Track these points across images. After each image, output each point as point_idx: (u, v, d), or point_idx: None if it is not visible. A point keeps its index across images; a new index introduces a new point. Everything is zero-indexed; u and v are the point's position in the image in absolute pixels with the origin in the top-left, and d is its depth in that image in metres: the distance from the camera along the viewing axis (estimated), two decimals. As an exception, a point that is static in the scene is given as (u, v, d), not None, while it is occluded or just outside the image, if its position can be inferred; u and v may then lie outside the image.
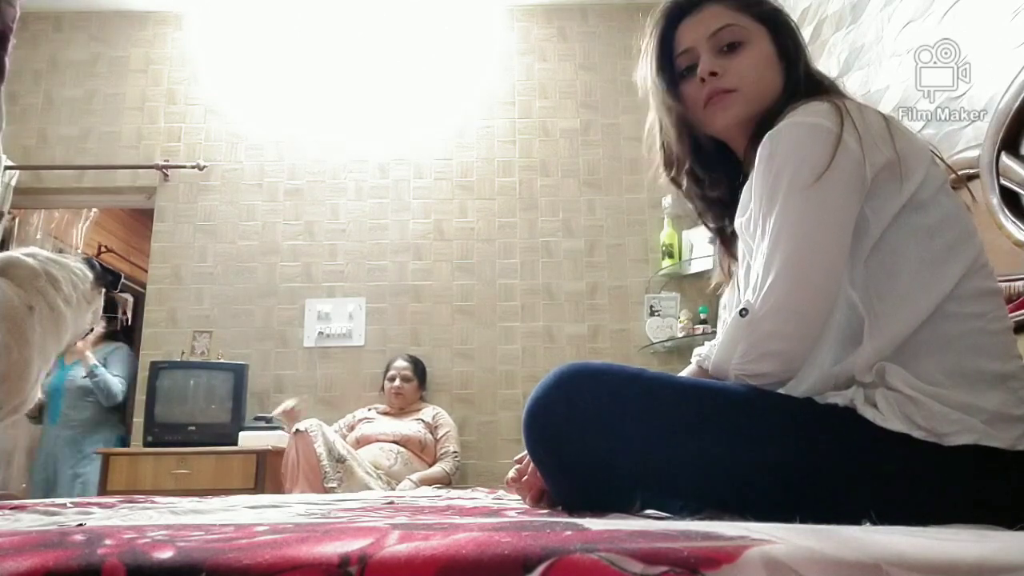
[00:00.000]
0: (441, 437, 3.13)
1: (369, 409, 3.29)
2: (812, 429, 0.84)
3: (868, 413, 0.83)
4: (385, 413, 3.25)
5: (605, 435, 0.84)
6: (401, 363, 3.33)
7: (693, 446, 0.84)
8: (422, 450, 3.03)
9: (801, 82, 1.03)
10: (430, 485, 2.82)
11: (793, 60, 1.05)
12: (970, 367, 0.84)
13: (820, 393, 0.90)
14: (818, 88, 1.01)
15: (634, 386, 0.86)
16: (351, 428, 3.16)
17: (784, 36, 1.06)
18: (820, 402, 0.88)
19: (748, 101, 1.04)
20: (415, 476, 2.90)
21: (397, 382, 3.27)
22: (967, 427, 0.80)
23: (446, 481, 2.97)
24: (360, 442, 3.01)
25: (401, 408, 3.25)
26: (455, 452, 3.11)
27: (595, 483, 0.88)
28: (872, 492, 0.81)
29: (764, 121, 0.99)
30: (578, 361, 0.90)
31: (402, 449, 2.97)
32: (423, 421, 3.14)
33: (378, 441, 2.99)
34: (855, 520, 0.69)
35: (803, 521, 0.78)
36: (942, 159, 0.97)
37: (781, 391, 0.91)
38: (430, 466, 3.03)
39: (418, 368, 3.38)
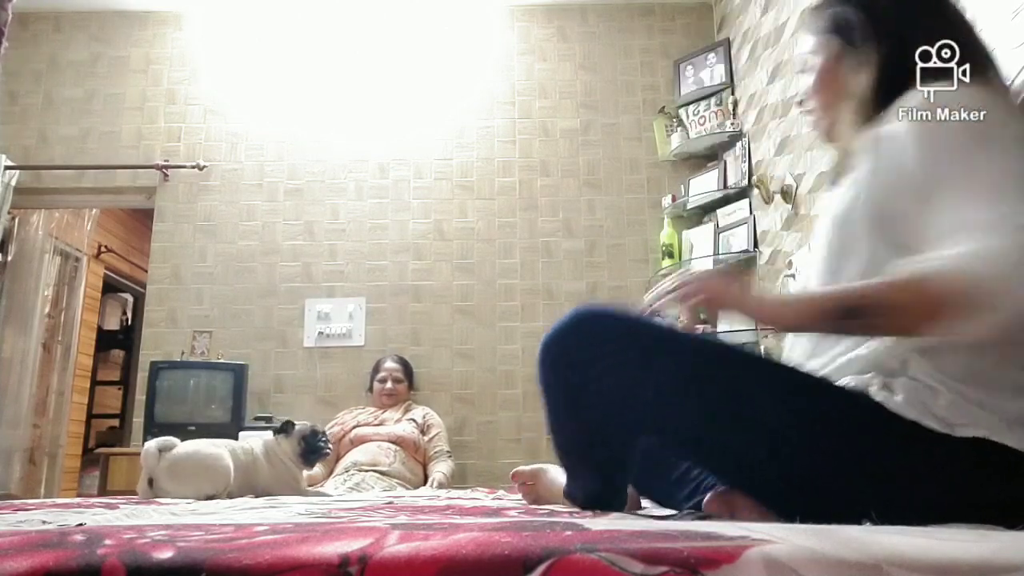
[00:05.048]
0: (432, 437, 3.10)
1: (356, 414, 3.20)
2: (819, 401, 0.84)
3: (880, 396, 0.82)
4: (373, 415, 3.18)
5: (613, 370, 0.87)
6: (391, 364, 3.32)
7: (696, 396, 0.85)
8: (416, 450, 3.02)
9: (895, 68, 0.96)
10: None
11: (872, 51, 0.99)
12: (997, 374, 0.82)
13: (839, 374, 0.89)
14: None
15: (647, 331, 0.89)
16: (343, 435, 3.07)
17: (852, 34, 1.02)
18: (833, 381, 0.87)
19: (824, 111, 1.07)
20: (438, 478, 2.89)
21: (389, 384, 3.25)
22: (983, 422, 0.79)
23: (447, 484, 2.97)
24: (355, 442, 3.00)
25: (391, 407, 3.22)
26: (449, 452, 3.09)
27: (596, 421, 0.90)
28: (872, 475, 0.80)
29: (869, 118, 0.96)
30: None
31: (399, 449, 2.97)
32: (414, 421, 3.13)
33: (374, 440, 2.98)
34: (849, 499, 0.69)
35: (796, 492, 0.79)
36: None
37: (797, 366, 0.91)
38: (421, 464, 3.02)
39: (407, 369, 3.37)
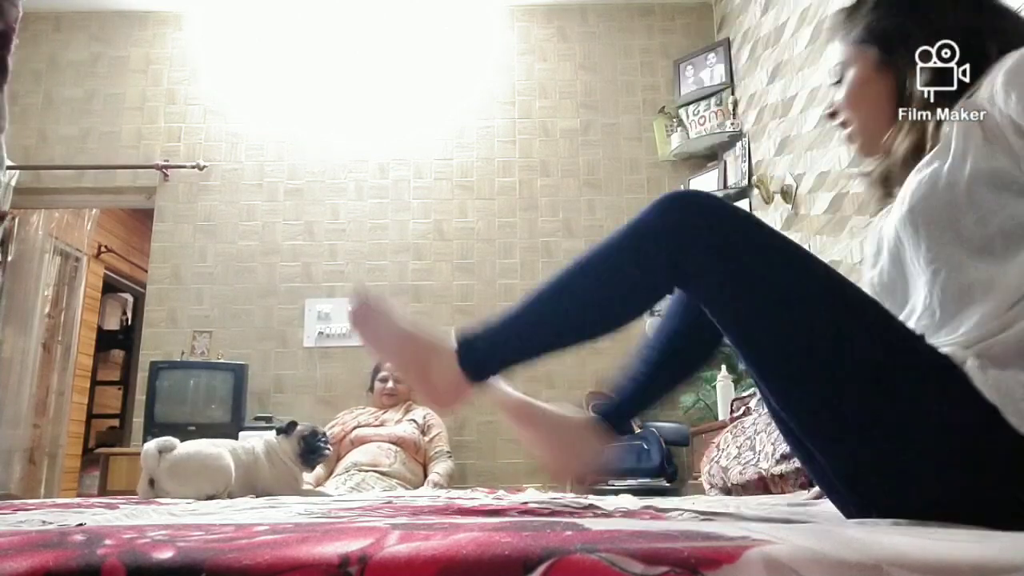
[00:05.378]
0: (433, 438, 3.11)
1: (357, 414, 3.22)
2: (901, 347, 0.81)
3: (971, 368, 0.78)
4: (374, 415, 3.19)
5: (735, 240, 0.85)
6: None
7: (782, 290, 0.83)
8: (416, 451, 3.03)
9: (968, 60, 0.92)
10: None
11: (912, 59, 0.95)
12: None
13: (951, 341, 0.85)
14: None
15: (774, 234, 0.88)
16: (344, 436, 3.08)
17: (892, 42, 0.98)
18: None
19: (862, 126, 1.02)
20: (434, 479, 2.92)
21: (390, 383, 3.25)
22: None
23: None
24: (355, 443, 3.00)
25: (391, 407, 3.23)
26: (449, 452, 3.10)
27: (697, 270, 0.88)
28: (920, 437, 0.77)
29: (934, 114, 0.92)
30: None
31: (399, 449, 2.97)
32: (415, 422, 3.13)
33: (374, 441, 2.99)
34: (887, 452, 0.73)
35: (845, 425, 0.80)
36: None
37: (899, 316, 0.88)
38: (421, 465, 3.03)
39: None
